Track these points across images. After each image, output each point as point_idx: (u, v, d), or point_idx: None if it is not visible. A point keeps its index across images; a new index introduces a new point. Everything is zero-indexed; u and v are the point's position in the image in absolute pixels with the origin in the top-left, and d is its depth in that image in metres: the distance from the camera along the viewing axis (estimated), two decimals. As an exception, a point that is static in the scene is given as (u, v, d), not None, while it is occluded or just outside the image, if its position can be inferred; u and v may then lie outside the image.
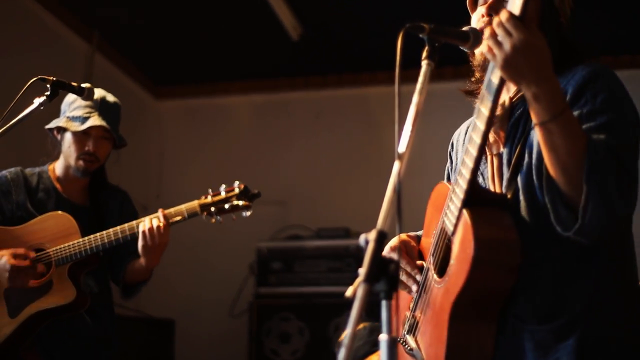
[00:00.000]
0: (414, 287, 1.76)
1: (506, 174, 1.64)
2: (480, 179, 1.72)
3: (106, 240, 2.67)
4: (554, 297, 1.55)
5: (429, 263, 1.72)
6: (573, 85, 1.59)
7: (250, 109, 5.81)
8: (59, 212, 2.75)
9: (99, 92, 2.78)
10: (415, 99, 1.39)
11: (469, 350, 1.55)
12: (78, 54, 4.82)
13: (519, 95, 1.67)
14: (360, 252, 1.22)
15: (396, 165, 1.29)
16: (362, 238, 1.20)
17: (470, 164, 1.53)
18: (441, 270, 1.63)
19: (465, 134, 1.91)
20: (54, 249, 2.68)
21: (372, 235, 1.19)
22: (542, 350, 1.54)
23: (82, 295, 2.69)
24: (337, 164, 5.50)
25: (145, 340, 4.63)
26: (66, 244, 2.67)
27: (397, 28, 1.44)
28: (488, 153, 1.70)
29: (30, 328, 2.66)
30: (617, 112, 1.53)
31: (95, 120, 2.76)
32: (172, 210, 2.70)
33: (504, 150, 1.67)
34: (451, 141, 2.00)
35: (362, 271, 1.17)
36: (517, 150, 1.62)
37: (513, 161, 1.62)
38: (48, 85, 2.34)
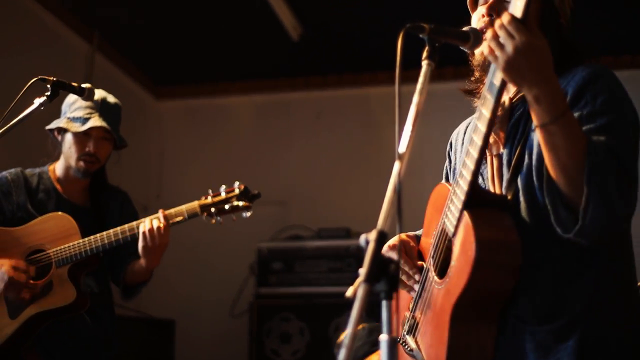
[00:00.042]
0: (415, 287, 1.76)
1: (506, 175, 1.64)
2: (480, 180, 1.71)
3: (106, 241, 2.67)
4: (554, 298, 1.55)
5: (429, 264, 1.72)
6: (573, 86, 1.58)
7: (251, 109, 5.80)
8: (59, 213, 2.75)
9: (99, 93, 2.78)
10: (415, 99, 1.39)
11: (470, 351, 1.55)
12: (78, 54, 4.81)
13: (519, 95, 1.67)
14: (360, 252, 1.22)
15: (396, 166, 1.29)
16: (362, 238, 1.20)
17: (471, 165, 1.53)
18: (441, 271, 1.63)
19: (464, 133, 1.91)
20: (54, 249, 2.68)
21: (372, 236, 1.19)
22: (543, 351, 1.54)
23: (82, 296, 2.69)
24: (337, 164, 5.49)
25: (145, 340, 4.62)
26: (66, 245, 2.67)
27: (398, 28, 1.43)
28: (488, 154, 1.70)
29: (31, 329, 2.65)
30: (617, 113, 1.53)
31: (96, 121, 2.76)
32: (172, 210, 2.70)
33: (504, 151, 1.67)
34: (450, 141, 2.00)
35: (362, 271, 1.17)
36: (517, 151, 1.62)
37: (513, 162, 1.62)
38: (48, 86, 2.33)
